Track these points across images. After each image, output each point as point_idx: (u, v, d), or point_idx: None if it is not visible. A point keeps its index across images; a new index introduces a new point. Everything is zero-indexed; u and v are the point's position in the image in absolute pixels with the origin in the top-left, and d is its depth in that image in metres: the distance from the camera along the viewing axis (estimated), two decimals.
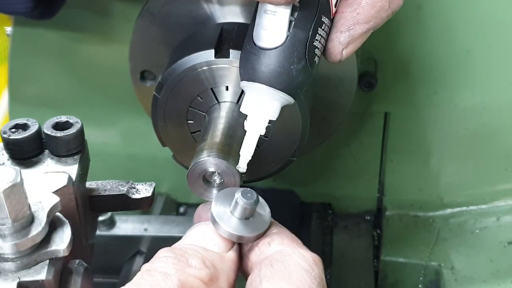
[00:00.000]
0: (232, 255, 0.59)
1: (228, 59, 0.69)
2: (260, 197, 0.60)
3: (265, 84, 0.59)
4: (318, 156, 0.99)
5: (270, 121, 0.67)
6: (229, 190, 0.62)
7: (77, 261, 0.56)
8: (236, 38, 0.71)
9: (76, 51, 0.97)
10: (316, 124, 0.81)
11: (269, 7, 0.59)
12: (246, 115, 0.62)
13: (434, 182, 1.01)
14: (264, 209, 0.61)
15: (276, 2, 0.57)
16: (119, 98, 0.99)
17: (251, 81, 0.60)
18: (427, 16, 0.90)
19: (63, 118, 0.63)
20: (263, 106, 0.60)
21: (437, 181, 1.01)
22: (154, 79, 0.83)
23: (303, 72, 0.59)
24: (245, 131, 0.62)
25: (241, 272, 0.60)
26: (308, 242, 0.99)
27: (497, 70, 0.93)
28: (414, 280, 0.97)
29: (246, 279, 0.57)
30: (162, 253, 0.55)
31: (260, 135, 0.72)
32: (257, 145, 0.73)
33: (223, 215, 0.59)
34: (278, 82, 0.59)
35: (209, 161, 0.64)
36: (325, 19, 0.59)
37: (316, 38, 0.59)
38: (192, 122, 0.74)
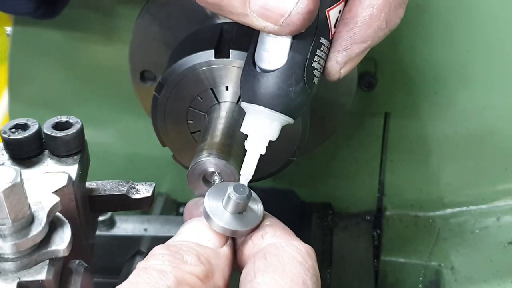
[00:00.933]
0: (226, 250, 0.59)
1: (228, 59, 0.69)
2: (252, 192, 0.60)
3: (264, 106, 0.60)
4: (318, 156, 0.99)
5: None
6: (221, 185, 0.63)
7: (77, 261, 0.56)
8: (236, 38, 0.71)
9: (76, 51, 0.97)
10: (316, 124, 0.81)
11: None
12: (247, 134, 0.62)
13: (434, 182, 1.01)
14: (257, 203, 0.62)
15: (278, 33, 0.58)
16: (119, 98, 0.98)
17: (250, 102, 0.60)
18: (427, 16, 0.90)
19: (63, 118, 0.63)
20: (262, 127, 0.61)
21: (437, 181, 1.01)
22: (154, 79, 0.83)
23: (302, 94, 0.60)
24: (246, 151, 0.62)
25: (235, 266, 0.60)
26: (308, 242, 0.98)
27: (497, 70, 0.93)
28: (414, 280, 0.97)
29: (240, 272, 0.58)
30: (157, 250, 0.56)
31: None
32: None
33: (216, 210, 0.59)
34: (276, 104, 0.59)
35: (209, 161, 0.64)
36: (323, 40, 0.60)
37: (314, 59, 0.60)
38: (192, 122, 0.74)
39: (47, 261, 0.52)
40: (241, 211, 0.60)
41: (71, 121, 0.63)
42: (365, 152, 1.00)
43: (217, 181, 0.65)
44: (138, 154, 1.04)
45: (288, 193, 1.05)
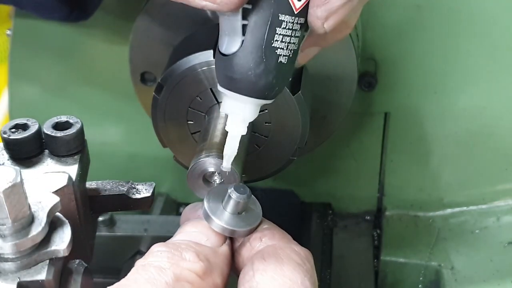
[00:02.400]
0: (225, 249, 0.59)
1: None
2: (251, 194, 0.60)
3: (231, 91, 0.59)
4: (318, 156, 0.99)
5: (267, 122, 0.67)
6: (221, 187, 0.63)
7: (77, 261, 0.56)
8: None
9: (76, 51, 0.97)
10: (317, 123, 0.81)
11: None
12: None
13: (434, 182, 1.01)
14: (256, 205, 0.62)
15: (219, 10, 0.56)
16: (119, 98, 0.99)
17: (222, 87, 0.60)
18: (427, 16, 0.90)
19: (63, 118, 0.63)
20: (238, 109, 0.60)
21: (437, 181, 1.01)
22: (155, 80, 0.83)
23: (264, 76, 0.58)
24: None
25: (233, 269, 0.60)
26: (308, 242, 0.99)
27: (497, 70, 0.93)
28: (414, 280, 0.97)
29: (237, 275, 0.58)
30: (156, 248, 0.56)
31: (261, 135, 0.72)
32: (257, 145, 0.73)
33: (216, 210, 0.59)
34: (240, 88, 0.58)
35: (208, 161, 0.64)
36: (284, 17, 0.57)
37: (275, 39, 0.57)
38: (192, 122, 0.74)
39: (47, 261, 0.52)
40: (240, 211, 0.60)
41: (71, 121, 0.63)
42: (365, 152, 1.00)
43: (217, 181, 0.65)
44: (138, 154, 1.04)
45: (288, 193, 1.05)
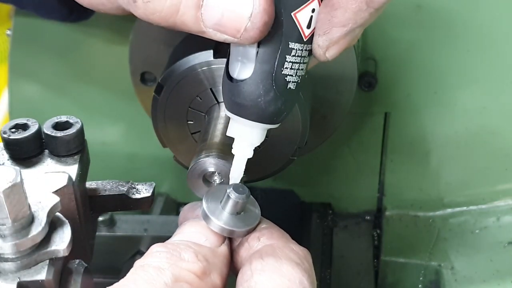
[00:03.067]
0: (224, 249, 0.59)
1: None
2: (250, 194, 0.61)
3: (240, 117, 0.60)
4: (318, 156, 0.99)
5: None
6: (220, 187, 0.63)
7: (77, 261, 0.56)
8: None
9: (76, 51, 0.97)
10: (317, 123, 0.81)
11: None
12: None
13: (434, 182, 1.01)
14: (254, 205, 0.62)
15: (240, 43, 0.57)
16: (119, 98, 0.98)
17: (229, 111, 0.60)
18: (427, 16, 0.90)
19: (63, 118, 0.63)
20: (245, 134, 0.61)
21: (437, 181, 1.01)
22: (155, 81, 0.83)
23: (274, 102, 0.59)
24: (233, 155, 0.62)
25: (231, 269, 0.60)
26: (308, 242, 0.99)
27: (497, 70, 0.93)
28: (414, 280, 0.97)
29: (236, 275, 0.58)
30: (155, 248, 0.56)
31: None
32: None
33: (214, 210, 0.59)
34: (249, 114, 0.59)
35: (208, 161, 0.64)
36: (294, 45, 0.58)
37: (285, 66, 0.58)
38: (192, 122, 0.74)
39: (47, 261, 0.52)
40: (239, 211, 0.60)
41: (71, 121, 0.63)
42: (365, 152, 1.00)
43: (217, 181, 0.65)
44: (138, 154, 1.04)
45: (288, 193, 1.05)
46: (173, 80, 0.71)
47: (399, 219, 1.03)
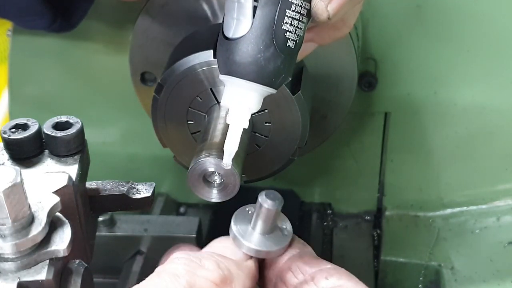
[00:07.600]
0: (250, 263, 0.58)
1: None
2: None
3: (237, 77, 0.57)
4: (318, 156, 0.99)
5: (267, 122, 0.66)
6: (245, 208, 0.62)
7: (77, 261, 0.56)
8: None
9: (76, 51, 0.97)
10: (317, 123, 0.81)
11: None
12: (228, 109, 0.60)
13: (434, 182, 1.01)
14: (284, 221, 0.61)
15: None
16: (119, 98, 0.98)
17: (225, 74, 0.58)
18: (427, 15, 0.90)
19: (63, 118, 0.63)
20: (242, 98, 0.58)
21: (437, 181, 1.01)
22: (155, 81, 0.83)
23: (274, 59, 0.56)
24: (228, 125, 0.60)
25: (258, 284, 0.59)
26: (308, 242, 0.98)
27: (497, 70, 0.93)
28: (414, 280, 0.97)
29: None
30: (175, 254, 0.55)
31: (261, 135, 0.72)
32: (257, 145, 0.73)
33: (245, 233, 0.59)
34: (248, 73, 0.56)
35: (208, 161, 0.64)
36: None
37: (285, 21, 0.56)
38: (192, 122, 0.74)
39: (47, 261, 0.52)
40: (272, 223, 0.58)
41: (71, 121, 0.63)
42: (365, 152, 1.00)
43: (217, 181, 0.65)
44: (138, 154, 1.04)
45: (288, 193, 1.05)
46: (173, 80, 0.71)
47: (399, 219, 1.03)
